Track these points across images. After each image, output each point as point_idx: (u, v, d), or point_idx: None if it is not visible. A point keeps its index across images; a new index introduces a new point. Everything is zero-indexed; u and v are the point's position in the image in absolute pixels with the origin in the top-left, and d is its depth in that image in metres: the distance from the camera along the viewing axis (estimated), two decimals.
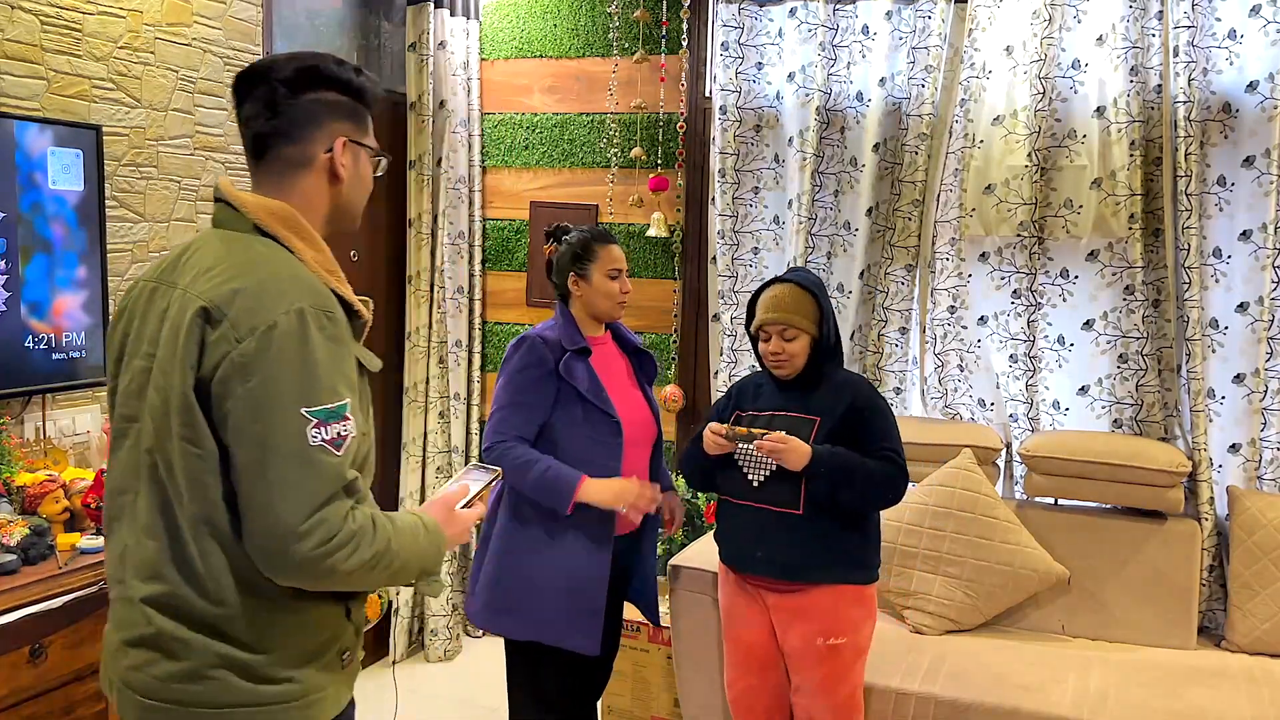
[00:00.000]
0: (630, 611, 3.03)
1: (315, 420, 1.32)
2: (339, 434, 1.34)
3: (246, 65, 1.52)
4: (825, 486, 2.44)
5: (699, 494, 3.68)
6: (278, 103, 1.46)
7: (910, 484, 2.74)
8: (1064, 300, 3.46)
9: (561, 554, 2.53)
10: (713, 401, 3.87)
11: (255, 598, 1.38)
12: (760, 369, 2.68)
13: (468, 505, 1.64)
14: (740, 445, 2.51)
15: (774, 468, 2.49)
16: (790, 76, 3.69)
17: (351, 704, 1.55)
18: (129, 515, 1.44)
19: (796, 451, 2.41)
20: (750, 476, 2.53)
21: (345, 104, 1.52)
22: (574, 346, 2.57)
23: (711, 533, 3.36)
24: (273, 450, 1.30)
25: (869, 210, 3.59)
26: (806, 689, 2.55)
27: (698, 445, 2.60)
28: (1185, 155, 3.19)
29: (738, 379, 2.72)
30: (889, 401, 2.93)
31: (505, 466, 2.44)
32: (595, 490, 2.50)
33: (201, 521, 1.36)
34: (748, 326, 2.64)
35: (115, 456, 1.47)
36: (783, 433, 2.44)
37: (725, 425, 2.53)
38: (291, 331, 1.33)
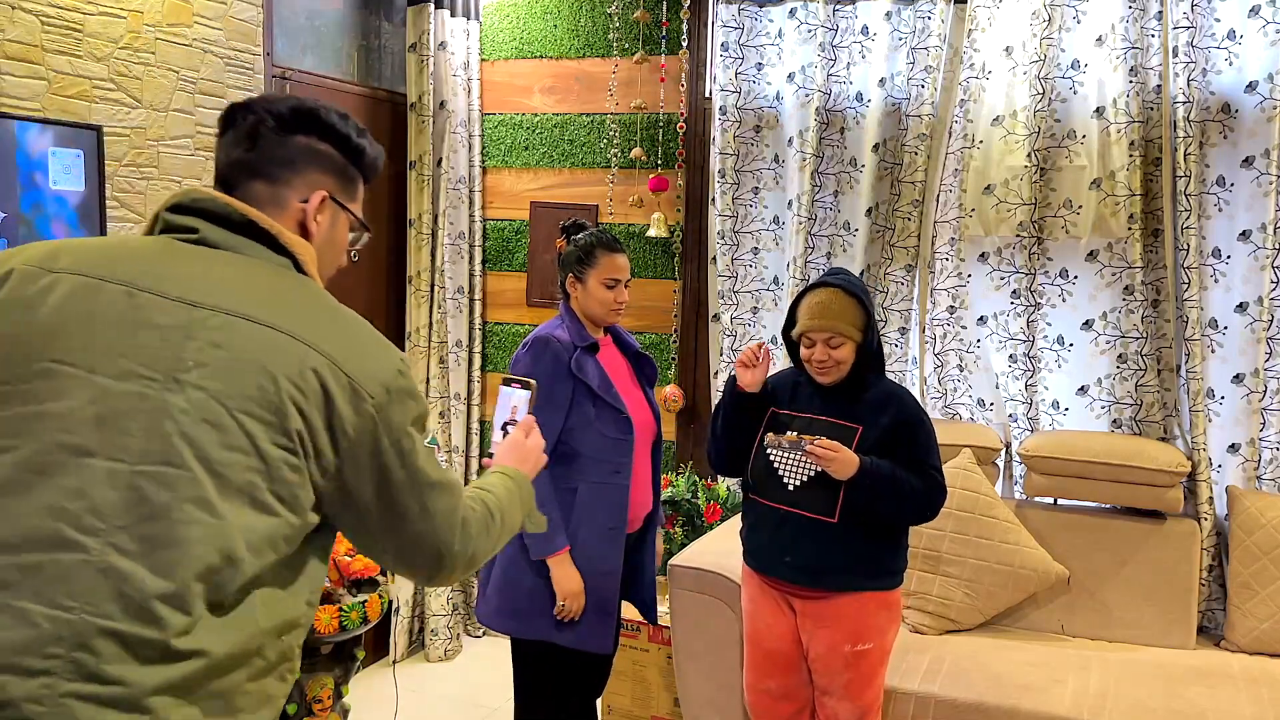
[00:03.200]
0: (628, 610, 3.04)
1: (435, 447, 1.34)
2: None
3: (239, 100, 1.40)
4: (866, 498, 2.40)
5: (699, 494, 3.69)
6: (260, 135, 1.31)
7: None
8: (1063, 300, 3.46)
9: (574, 555, 2.54)
10: (715, 402, 3.87)
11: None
12: (797, 369, 2.61)
13: (516, 426, 1.71)
14: (780, 445, 2.45)
15: (813, 472, 2.44)
16: (790, 77, 3.69)
17: None
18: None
19: (846, 461, 2.36)
20: (786, 480, 2.48)
21: (336, 160, 1.36)
22: (584, 343, 2.56)
23: (711, 532, 3.37)
24: (425, 489, 1.29)
25: (869, 210, 3.59)
26: (832, 692, 2.53)
27: (728, 420, 2.53)
28: (1185, 155, 3.19)
29: (772, 374, 2.65)
30: None
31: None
32: (562, 572, 2.50)
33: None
34: (787, 331, 2.56)
35: (22, 498, 1.09)
36: (833, 440, 2.38)
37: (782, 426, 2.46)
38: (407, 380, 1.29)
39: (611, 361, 2.67)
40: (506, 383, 1.78)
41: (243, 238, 1.27)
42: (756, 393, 2.54)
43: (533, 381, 1.75)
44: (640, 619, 3.24)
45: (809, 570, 2.47)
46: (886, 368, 3.58)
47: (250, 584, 1.14)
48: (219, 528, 1.11)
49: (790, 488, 2.47)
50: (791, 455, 2.46)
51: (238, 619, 1.13)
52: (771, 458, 2.49)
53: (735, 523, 3.45)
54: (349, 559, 3.19)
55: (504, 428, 1.74)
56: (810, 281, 2.58)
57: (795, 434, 2.44)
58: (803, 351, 2.51)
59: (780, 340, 3.74)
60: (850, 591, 2.46)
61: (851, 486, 2.40)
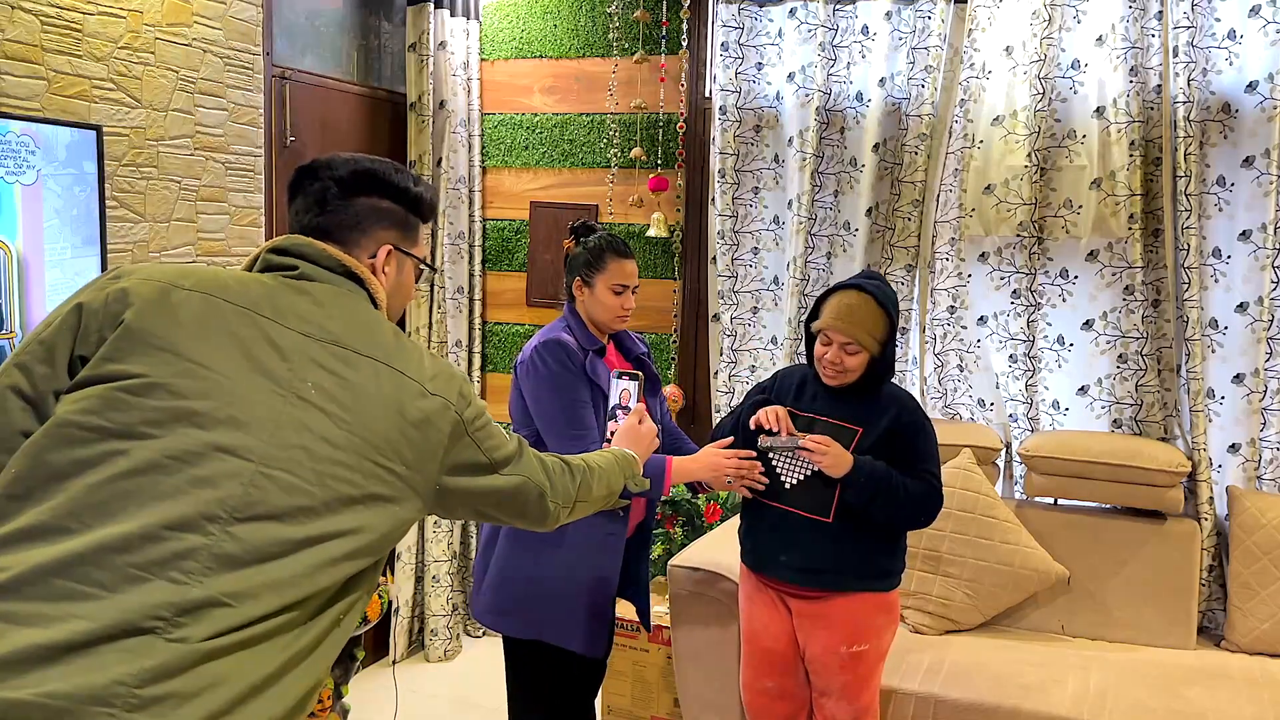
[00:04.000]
0: (623, 609, 3.03)
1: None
2: None
3: (307, 162, 1.53)
4: (860, 498, 2.39)
5: (699, 494, 3.69)
6: (328, 201, 1.46)
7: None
8: (1064, 300, 3.46)
9: (569, 555, 2.53)
10: (714, 401, 3.87)
11: None
12: (808, 366, 2.59)
13: (630, 413, 2.03)
14: (774, 445, 2.44)
15: (809, 471, 2.43)
16: (790, 77, 3.69)
17: None
18: None
19: (838, 458, 2.36)
20: (783, 477, 2.48)
21: (398, 213, 1.50)
22: (593, 346, 2.54)
23: (711, 533, 3.36)
24: (506, 460, 1.55)
25: (869, 210, 3.59)
26: (830, 693, 2.53)
27: (736, 423, 2.53)
28: (1185, 155, 3.19)
29: (782, 368, 2.63)
30: None
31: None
32: (693, 468, 2.44)
33: None
34: (809, 322, 2.54)
35: (162, 479, 1.17)
36: (827, 436, 2.39)
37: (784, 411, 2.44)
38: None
39: (616, 364, 2.67)
40: (618, 375, 2.18)
41: (338, 275, 1.42)
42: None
43: (640, 373, 2.04)
44: (633, 618, 3.24)
45: (804, 570, 2.47)
46: None
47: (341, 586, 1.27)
48: (319, 532, 1.23)
49: (786, 486, 2.47)
50: (786, 452, 2.45)
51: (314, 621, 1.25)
52: (770, 455, 2.49)
53: (735, 523, 3.45)
54: None
55: (614, 413, 2.15)
56: (844, 280, 2.54)
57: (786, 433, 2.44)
58: (817, 347, 2.49)
59: (780, 340, 3.75)
60: (846, 592, 2.46)
61: (846, 486, 2.39)
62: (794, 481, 2.46)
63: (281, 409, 1.25)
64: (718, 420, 3.80)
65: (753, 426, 2.46)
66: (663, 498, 2.48)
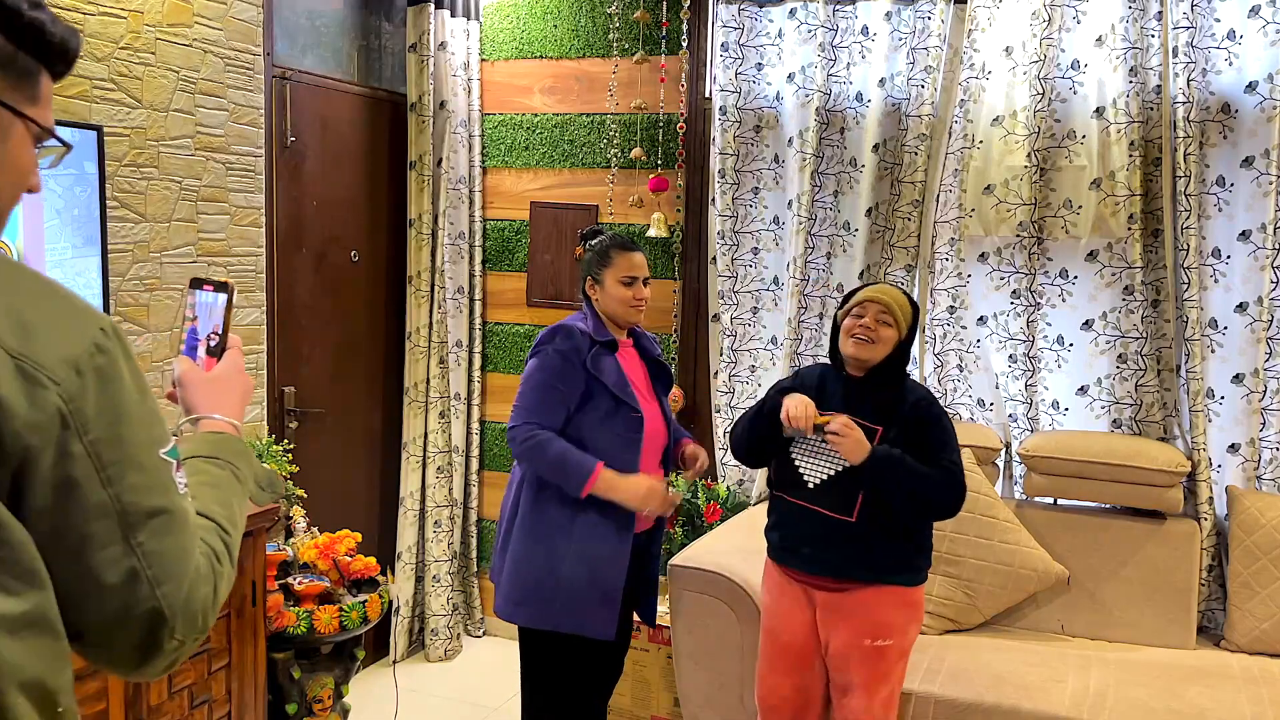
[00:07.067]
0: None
1: (175, 463, 0.99)
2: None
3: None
4: (880, 487, 2.41)
5: (699, 494, 3.69)
6: None
7: None
8: (1063, 300, 3.46)
9: (583, 541, 2.57)
10: (716, 402, 3.87)
11: None
12: (828, 364, 2.63)
13: (213, 349, 1.23)
14: (798, 440, 2.48)
15: (832, 471, 2.46)
16: (790, 77, 3.69)
17: None
18: None
19: (858, 443, 2.38)
20: (806, 478, 2.50)
21: None
22: (602, 339, 2.61)
23: (711, 532, 3.37)
24: (136, 518, 0.94)
25: (869, 210, 3.59)
26: (849, 688, 2.54)
27: (763, 415, 2.53)
28: (1184, 156, 3.19)
29: (803, 367, 2.65)
30: None
31: (524, 448, 2.54)
32: (619, 485, 2.53)
33: None
34: (838, 318, 2.57)
35: None
36: (848, 418, 2.40)
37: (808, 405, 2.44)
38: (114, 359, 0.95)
39: (629, 363, 2.71)
40: (197, 284, 1.25)
41: None
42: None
43: (231, 283, 1.25)
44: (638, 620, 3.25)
45: (829, 563, 2.49)
46: None
47: None
48: None
49: (810, 485, 2.49)
50: (806, 447, 2.48)
51: None
52: (792, 455, 2.52)
53: (735, 522, 3.46)
54: (349, 559, 3.19)
55: (203, 343, 1.23)
56: (869, 282, 2.61)
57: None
58: (848, 321, 2.52)
59: (780, 340, 3.75)
60: (870, 584, 2.48)
61: (867, 477, 2.41)
62: (817, 481, 2.48)
63: None
64: (717, 419, 3.81)
65: (783, 417, 2.45)
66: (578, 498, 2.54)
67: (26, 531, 0.88)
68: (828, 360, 2.67)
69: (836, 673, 2.55)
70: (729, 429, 2.65)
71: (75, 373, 0.90)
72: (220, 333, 1.23)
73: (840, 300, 2.64)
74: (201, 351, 1.23)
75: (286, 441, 3.37)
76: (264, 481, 1.24)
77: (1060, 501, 3.38)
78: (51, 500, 0.89)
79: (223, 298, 1.24)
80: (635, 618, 2.88)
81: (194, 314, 1.25)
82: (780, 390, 2.63)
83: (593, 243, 2.73)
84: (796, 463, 2.51)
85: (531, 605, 2.58)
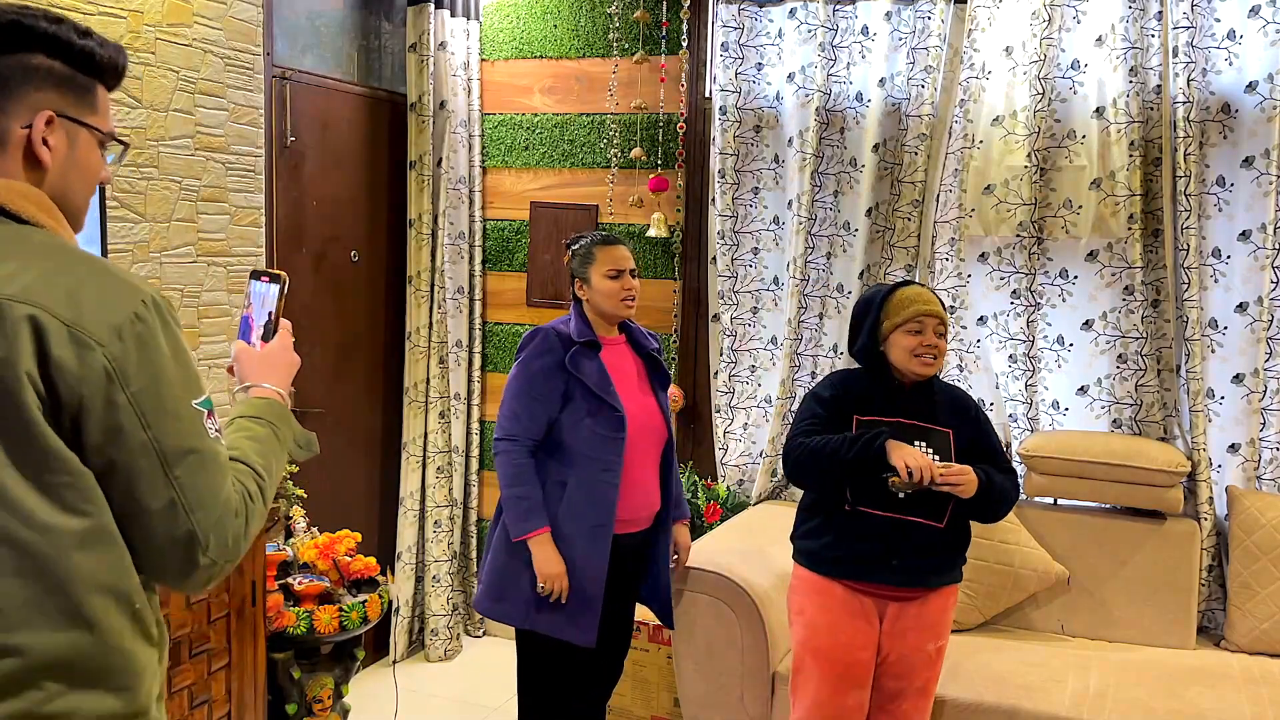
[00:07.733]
0: (643, 613, 3.04)
1: (206, 412, 1.18)
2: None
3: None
4: (971, 505, 2.45)
5: (699, 494, 3.69)
6: None
7: None
8: (1063, 300, 3.46)
9: (559, 545, 2.57)
10: (716, 402, 3.86)
11: None
12: (857, 368, 2.59)
13: (264, 336, 1.44)
14: (907, 486, 2.38)
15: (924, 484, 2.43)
16: (790, 77, 3.69)
17: None
18: None
19: (973, 482, 2.39)
20: (898, 492, 2.44)
21: (56, 71, 1.20)
22: (582, 339, 2.62)
23: (711, 532, 3.36)
24: (174, 456, 1.14)
25: (869, 210, 3.59)
26: (901, 694, 2.54)
27: (837, 454, 2.40)
28: (1184, 155, 3.19)
29: (833, 371, 2.62)
30: None
31: (499, 466, 2.60)
32: (541, 554, 2.55)
33: None
34: (874, 329, 2.50)
35: None
36: (957, 466, 2.39)
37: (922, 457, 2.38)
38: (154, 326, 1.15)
39: (617, 361, 2.70)
40: (255, 276, 1.48)
41: None
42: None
43: (284, 274, 1.47)
44: (654, 620, 3.24)
45: (919, 571, 2.49)
46: None
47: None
48: None
49: (900, 497, 2.44)
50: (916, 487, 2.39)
51: None
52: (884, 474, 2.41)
53: (735, 523, 3.45)
54: (349, 559, 3.19)
55: (258, 328, 1.46)
56: (886, 284, 2.57)
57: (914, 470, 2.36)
58: (905, 339, 2.45)
59: (780, 340, 3.75)
60: (938, 588, 2.52)
61: (968, 499, 2.43)
62: (908, 492, 2.43)
63: None
64: (717, 419, 3.81)
65: (904, 475, 2.34)
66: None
67: (85, 465, 1.10)
68: (844, 356, 2.65)
69: (893, 680, 2.54)
70: (782, 454, 2.57)
71: (118, 337, 1.10)
72: (273, 318, 1.45)
73: (872, 301, 2.53)
74: (255, 336, 1.45)
75: None
76: (302, 440, 1.44)
77: (1060, 501, 3.38)
78: (103, 440, 1.10)
79: (275, 288, 1.46)
80: (638, 619, 2.88)
81: (249, 302, 1.47)
82: (819, 401, 2.53)
83: (575, 247, 2.75)
84: (885, 479, 2.44)
85: (508, 603, 2.60)
